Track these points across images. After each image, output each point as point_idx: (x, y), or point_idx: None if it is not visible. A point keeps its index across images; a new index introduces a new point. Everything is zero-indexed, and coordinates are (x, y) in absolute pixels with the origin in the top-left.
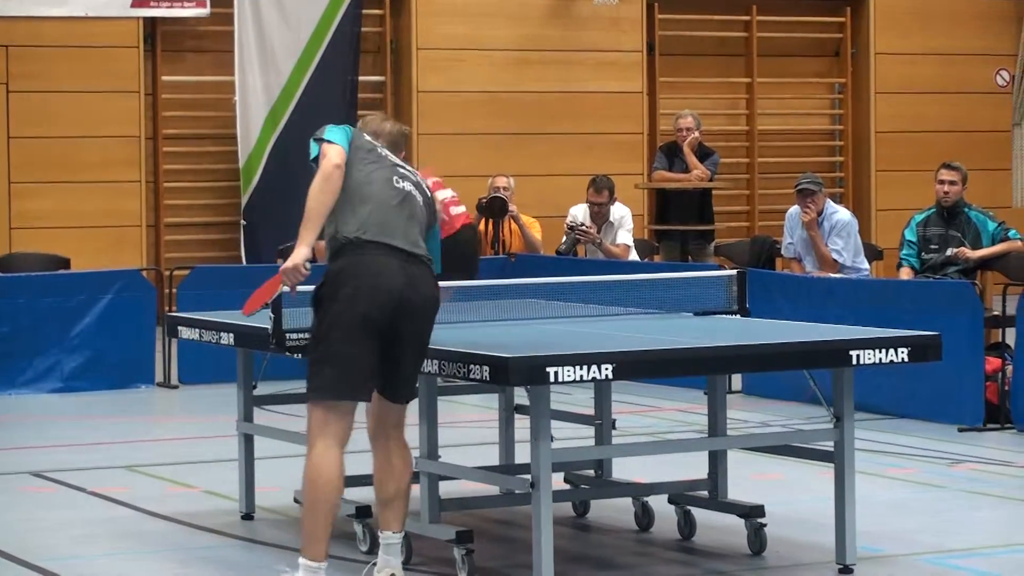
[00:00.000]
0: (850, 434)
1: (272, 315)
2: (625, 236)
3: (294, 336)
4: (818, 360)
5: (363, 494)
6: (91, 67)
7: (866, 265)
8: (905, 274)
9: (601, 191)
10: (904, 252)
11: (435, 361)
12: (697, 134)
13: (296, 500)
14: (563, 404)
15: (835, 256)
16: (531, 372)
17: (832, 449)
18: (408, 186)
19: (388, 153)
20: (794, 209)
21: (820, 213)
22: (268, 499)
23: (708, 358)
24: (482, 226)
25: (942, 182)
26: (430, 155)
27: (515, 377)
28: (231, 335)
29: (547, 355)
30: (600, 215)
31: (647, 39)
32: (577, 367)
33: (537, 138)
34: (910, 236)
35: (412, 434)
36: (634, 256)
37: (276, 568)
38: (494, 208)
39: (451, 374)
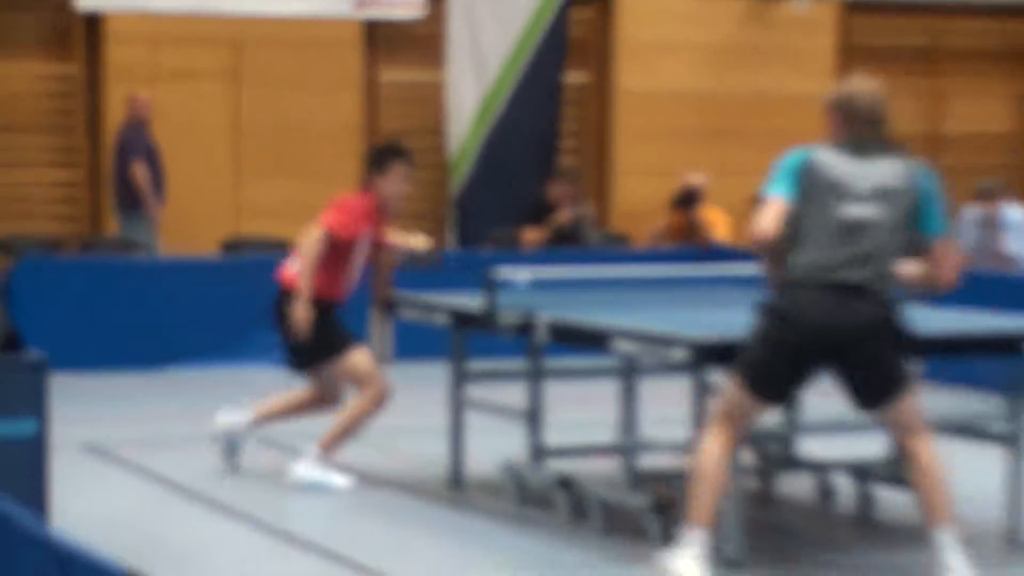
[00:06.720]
0: None
1: (485, 295)
2: None
3: (505, 315)
4: (997, 349)
5: (565, 464)
6: (314, 64)
7: None
8: None
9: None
10: None
11: (636, 342)
12: None
13: (504, 470)
14: None
15: None
16: None
17: (1007, 432)
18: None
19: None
20: (972, 209)
21: None
22: (475, 467)
23: None
24: (677, 219)
25: None
26: (630, 152)
27: None
28: (445, 315)
29: None
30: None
31: (839, 42)
32: None
33: (730, 135)
34: None
35: (613, 412)
36: None
37: None
38: (688, 200)
39: (651, 355)
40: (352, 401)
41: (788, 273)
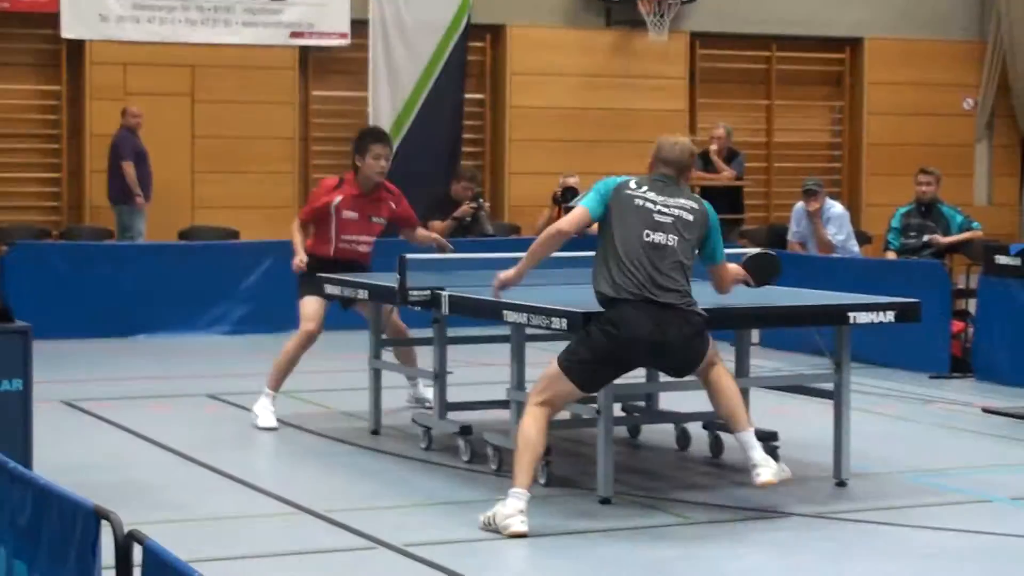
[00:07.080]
0: (847, 378)
1: (399, 276)
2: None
3: (415, 292)
4: (824, 319)
5: (466, 416)
6: (256, 83)
7: (857, 248)
8: (890, 255)
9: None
10: (889, 237)
11: (524, 314)
12: (715, 145)
13: (414, 420)
14: None
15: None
16: None
17: (833, 389)
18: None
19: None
20: (799, 204)
21: (821, 207)
22: (390, 419)
23: (736, 315)
24: (556, 212)
25: (920, 183)
26: (519, 158)
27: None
28: (366, 291)
29: None
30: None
31: (689, 68)
32: None
33: (601, 145)
34: (895, 224)
35: (505, 373)
36: None
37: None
38: (567, 196)
39: (537, 324)
40: (286, 344)
41: (607, 289)
